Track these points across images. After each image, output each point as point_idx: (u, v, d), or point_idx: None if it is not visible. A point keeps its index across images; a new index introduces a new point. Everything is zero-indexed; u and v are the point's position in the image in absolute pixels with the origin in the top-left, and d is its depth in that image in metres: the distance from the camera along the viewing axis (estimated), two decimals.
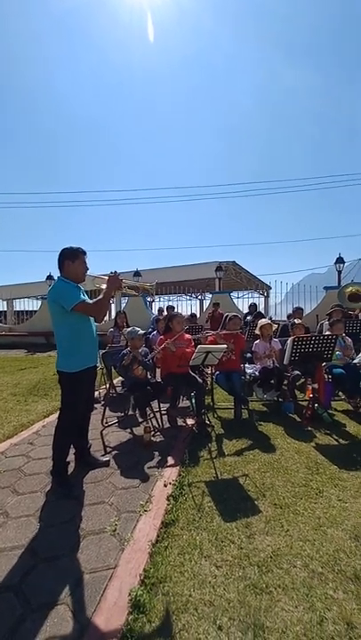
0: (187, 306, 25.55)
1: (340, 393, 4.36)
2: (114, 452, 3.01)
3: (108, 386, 4.44)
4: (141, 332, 3.63)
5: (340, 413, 3.91)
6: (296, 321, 5.12)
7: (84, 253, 2.49)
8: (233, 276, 18.55)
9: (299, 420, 3.73)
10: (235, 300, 12.84)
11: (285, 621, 1.35)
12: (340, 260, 10.33)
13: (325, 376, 4.05)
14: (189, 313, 9.44)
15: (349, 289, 7.42)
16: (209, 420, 3.60)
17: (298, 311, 6.41)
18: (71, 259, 2.44)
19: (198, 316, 11.31)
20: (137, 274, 13.47)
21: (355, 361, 3.81)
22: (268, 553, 1.73)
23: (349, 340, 4.31)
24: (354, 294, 7.28)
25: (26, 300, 17.91)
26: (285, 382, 4.13)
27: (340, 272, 10.50)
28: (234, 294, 13.57)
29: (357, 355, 3.81)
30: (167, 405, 3.72)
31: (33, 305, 17.93)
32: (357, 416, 3.78)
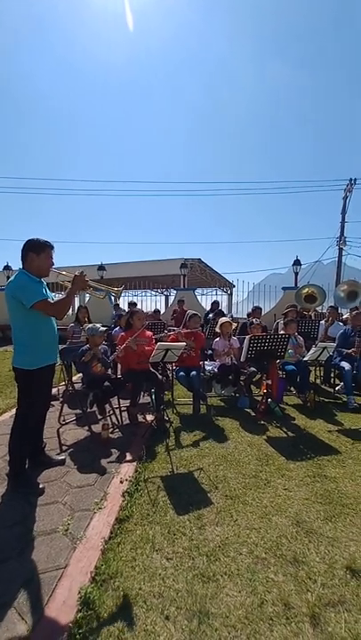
0: (151, 301, 25.49)
1: (292, 388, 4.65)
2: (70, 451, 2.96)
3: (66, 382, 4.33)
4: (102, 328, 3.57)
5: (291, 407, 4.17)
6: (254, 320, 5.34)
7: (52, 247, 2.37)
8: (198, 273, 18.75)
9: (253, 414, 3.91)
10: (199, 297, 12.97)
11: (229, 606, 1.44)
12: (297, 263, 10.88)
13: (279, 372, 4.29)
14: (153, 309, 9.39)
15: (305, 290, 7.85)
16: (168, 416, 3.66)
17: (257, 310, 6.66)
18: (36, 251, 2.30)
19: (163, 311, 11.29)
20: (101, 268, 13.13)
21: (305, 358, 4.07)
22: (217, 542, 1.82)
23: (301, 338, 4.59)
24: (309, 295, 7.71)
25: None
26: (242, 378, 4.30)
27: (296, 273, 11.05)
28: (198, 291, 13.71)
29: (308, 352, 4.07)
30: (127, 402, 3.72)
31: None
32: (306, 410, 4.04)
